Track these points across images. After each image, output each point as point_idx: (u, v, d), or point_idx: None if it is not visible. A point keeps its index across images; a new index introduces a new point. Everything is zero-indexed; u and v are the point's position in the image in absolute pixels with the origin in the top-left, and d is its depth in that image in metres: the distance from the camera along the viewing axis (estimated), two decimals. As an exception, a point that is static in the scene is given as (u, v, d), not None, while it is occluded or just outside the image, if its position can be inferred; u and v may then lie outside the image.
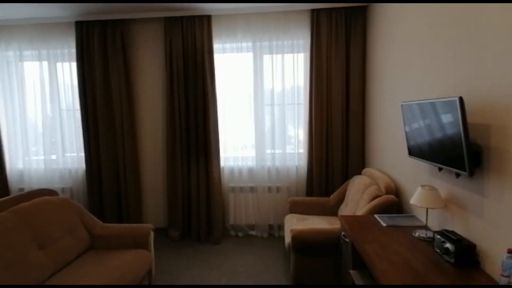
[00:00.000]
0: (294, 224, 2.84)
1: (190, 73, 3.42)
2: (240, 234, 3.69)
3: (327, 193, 3.44)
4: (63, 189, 3.78)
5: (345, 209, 2.86)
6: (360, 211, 2.44)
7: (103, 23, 3.46)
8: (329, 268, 2.45)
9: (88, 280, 1.96)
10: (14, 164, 3.83)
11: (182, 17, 3.38)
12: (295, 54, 3.44)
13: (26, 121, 3.80)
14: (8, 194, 3.78)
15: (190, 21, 3.37)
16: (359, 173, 3.33)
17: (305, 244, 2.41)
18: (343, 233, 2.22)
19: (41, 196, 2.44)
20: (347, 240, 2.12)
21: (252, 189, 3.64)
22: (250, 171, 3.64)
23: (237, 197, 3.67)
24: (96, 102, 3.56)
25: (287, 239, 2.61)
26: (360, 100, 3.37)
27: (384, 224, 2.09)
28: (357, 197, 2.70)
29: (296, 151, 3.59)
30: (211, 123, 3.44)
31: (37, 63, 3.71)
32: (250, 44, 3.48)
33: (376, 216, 2.25)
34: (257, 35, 3.44)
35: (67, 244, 2.27)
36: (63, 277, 2.03)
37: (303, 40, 3.42)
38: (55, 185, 3.78)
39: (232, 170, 3.66)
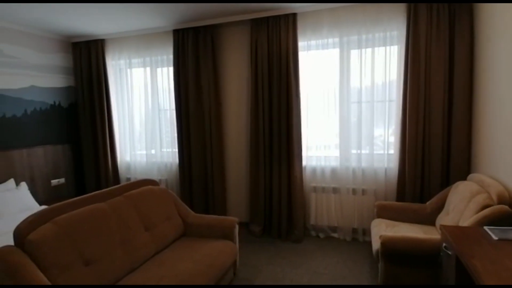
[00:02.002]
0: (383, 230, 2.64)
1: (274, 72, 3.47)
2: (321, 235, 3.59)
3: (422, 199, 3.10)
4: (160, 181, 4.23)
5: (446, 218, 2.53)
6: (466, 222, 2.15)
7: (196, 30, 3.75)
8: (425, 281, 2.20)
9: (184, 263, 2.15)
10: (123, 157, 4.45)
11: (267, 18, 3.44)
12: (388, 47, 3.18)
13: (133, 120, 4.38)
14: (119, 182, 4.42)
15: (275, 21, 3.42)
16: (464, 178, 2.91)
17: (396, 253, 2.21)
18: (444, 244, 1.97)
19: (146, 185, 2.78)
20: (449, 253, 1.88)
21: (335, 190, 3.51)
22: (333, 171, 3.51)
23: (319, 197, 3.58)
24: (189, 102, 3.88)
25: (375, 245, 2.44)
26: (467, 95, 2.92)
27: (495, 238, 1.80)
28: (462, 205, 2.37)
29: (386, 152, 3.32)
30: (294, 122, 3.43)
31: (142, 69, 4.24)
32: (336, 39, 3.35)
33: (486, 228, 1.94)
34: (344, 29, 3.29)
35: (166, 229, 2.53)
36: (163, 258, 2.27)
37: (397, 31, 3.14)
38: (154, 176, 4.25)
39: (314, 170, 3.59)
